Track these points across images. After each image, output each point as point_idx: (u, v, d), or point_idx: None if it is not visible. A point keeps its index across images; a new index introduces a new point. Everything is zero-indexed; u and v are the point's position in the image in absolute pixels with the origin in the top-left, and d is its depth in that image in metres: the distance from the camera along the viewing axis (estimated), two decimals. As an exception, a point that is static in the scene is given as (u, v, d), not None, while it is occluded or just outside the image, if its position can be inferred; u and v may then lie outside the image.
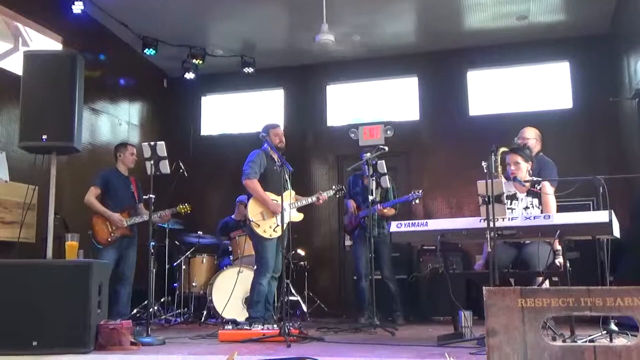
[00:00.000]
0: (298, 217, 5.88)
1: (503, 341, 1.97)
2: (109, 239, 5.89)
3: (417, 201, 6.57)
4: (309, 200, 5.93)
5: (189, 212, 6.55)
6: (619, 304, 1.93)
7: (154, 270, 6.91)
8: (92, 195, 5.97)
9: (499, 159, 4.56)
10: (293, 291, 7.23)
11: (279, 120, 8.83)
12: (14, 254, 5.18)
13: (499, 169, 4.69)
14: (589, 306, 1.95)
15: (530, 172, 4.86)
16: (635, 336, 1.93)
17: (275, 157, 5.63)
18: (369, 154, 6.06)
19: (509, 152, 4.85)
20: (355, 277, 6.66)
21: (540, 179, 4.86)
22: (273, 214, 5.57)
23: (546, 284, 4.38)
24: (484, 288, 2.05)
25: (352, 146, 8.82)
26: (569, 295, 1.97)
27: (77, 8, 6.90)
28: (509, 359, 1.96)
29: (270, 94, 9.67)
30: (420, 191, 6.51)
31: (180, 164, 6.48)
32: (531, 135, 5.55)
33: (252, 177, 5.60)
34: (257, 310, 5.48)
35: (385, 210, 6.50)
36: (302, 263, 7.69)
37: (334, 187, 6.30)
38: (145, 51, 8.25)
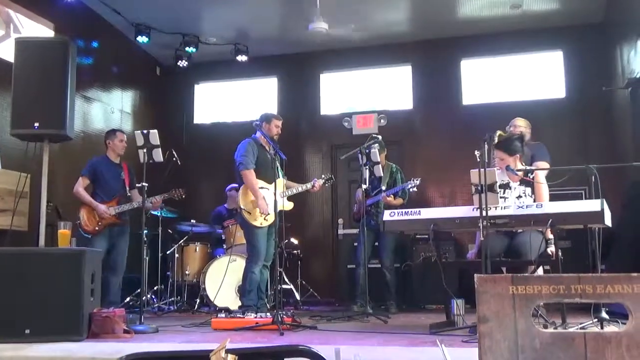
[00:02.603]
0: (288, 205, 5.86)
1: (494, 328, 1.99)
2: (97, 228, 5.85)
3: (414, 189, 6.56)
4: (304, 187, 5.93)
5: (182, 197, 6.40)
6: (609, 291, 1.95)
7: (147, 258, 6.91)
8: (80, 186, 5.95)
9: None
10: (286, 279, 7.24)
11: (272, 108, 8.81)
12: (6, 242, 5.15)
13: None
14: (580, 293, 1.97)
15: (522, 163, 4.84)
16: (625, 323, 1.94)
17: (268, 146, 5.62)
18: (377, 145, 6.01)
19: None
20: (354, 265, 6.65)
21: (533, 168, 4.86)
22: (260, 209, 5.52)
23: (539, 273, 4.40)
24: (475, 275, 2.06)
25: (345, 135, 8.83)
26: (559, 283, 1.99)
27: (69, -6, 6.85)
28: (500, 345, 1.97)
29: (263, 83, 9.63)
30: (419, 179, 6.51)
31: (173, 152, 6.44)
32: (522, 124, 5.80)
33: (249, 167, 5.57)
34: (249, 298, 5.49)
35: (389, 199, 6.51)
36: (295, 252, 7.71)
37: (323, 175, 6.30)
38: (137, 39, 8.20)
